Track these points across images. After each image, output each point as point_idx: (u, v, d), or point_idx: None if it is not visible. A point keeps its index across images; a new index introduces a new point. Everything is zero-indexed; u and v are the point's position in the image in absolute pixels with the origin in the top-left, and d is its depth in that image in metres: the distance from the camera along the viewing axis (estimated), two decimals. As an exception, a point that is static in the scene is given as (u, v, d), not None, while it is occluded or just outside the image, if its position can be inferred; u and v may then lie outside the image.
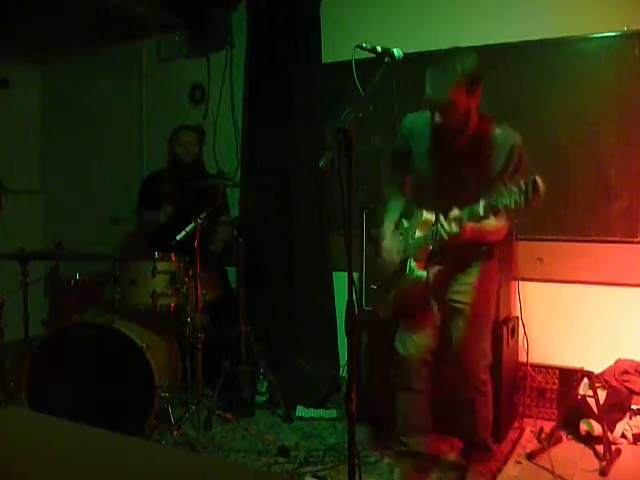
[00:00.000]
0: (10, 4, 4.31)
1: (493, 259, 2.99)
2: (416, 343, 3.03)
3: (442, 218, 2.69)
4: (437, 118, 2.71)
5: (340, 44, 4.24)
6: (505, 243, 3.66)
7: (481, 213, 2.56)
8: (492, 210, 2.52)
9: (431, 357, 3.05)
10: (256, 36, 4.75)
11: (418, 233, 2.88)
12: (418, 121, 2.95)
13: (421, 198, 2.97)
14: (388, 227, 3.06)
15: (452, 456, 3.37)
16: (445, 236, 2.67)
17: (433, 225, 2.77)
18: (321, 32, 4.50)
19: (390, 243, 3.03)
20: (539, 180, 2.39)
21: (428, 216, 2.85)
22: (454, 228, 2.66)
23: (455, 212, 2.67)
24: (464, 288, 2.93)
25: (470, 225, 2.65)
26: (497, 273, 3.07)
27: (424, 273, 2.86)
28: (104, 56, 5.46)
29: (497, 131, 2.80)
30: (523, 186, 2.41)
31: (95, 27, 4.98)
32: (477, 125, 2.78)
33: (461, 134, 2.78)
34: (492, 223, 2.71)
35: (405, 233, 2.98)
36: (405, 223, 3.01)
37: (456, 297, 2.95)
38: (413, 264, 2.87)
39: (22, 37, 5.04)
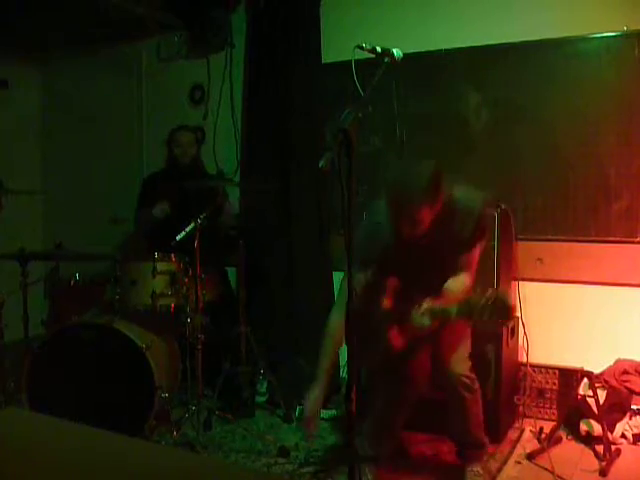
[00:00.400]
0: (10, 4, 4.31)
1: None
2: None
3: (414, 312, 2.69)
4: (402, 231, 2.73)
5: (340, 44, 4.24)
6: (505, 243, 3.67)
7: (452, 317, 2.62)
8: (464, 317, 2.59)
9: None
10: (256, 36, 4.74)
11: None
12: (368, 231, 2.91)
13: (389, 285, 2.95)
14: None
15: (448, 457, 3.35)
16: (420, 326, 2.69)
17: None
18: (321, 32, 4.49)
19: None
20: (509, 301, 2.49)
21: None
22: (426, 321, 2.67)
23: (425, 305, 2.67)
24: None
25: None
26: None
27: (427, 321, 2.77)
28: (104, 57, 5.46)
29: (459, 199, 2.79)
30: (491, 302, 2.49)
31: (95, 27, 4.97)
32: (440, 212, 2.74)
33: (416, 230, 2.75)
34: (458, 285, 2.78)
35: None
36: None
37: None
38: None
39: (22, 37, 5.03)
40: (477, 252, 2.90)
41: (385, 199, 2.71)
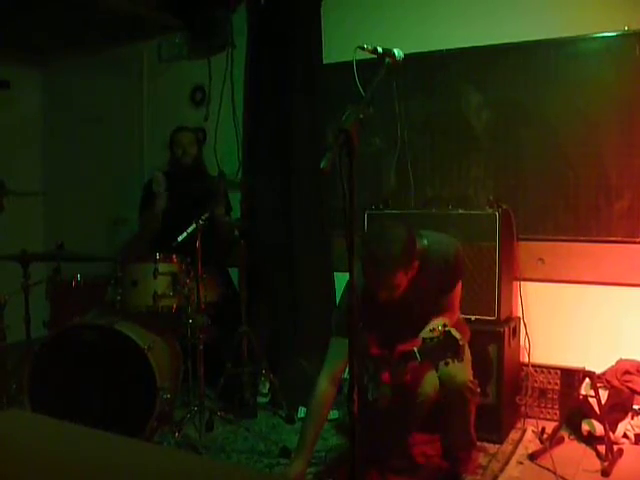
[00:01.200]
0: (11, 5, 4.32)
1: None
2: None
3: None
4: (379, 295, 2.74)
5: (341, 45, 4.24)
6: (506, 243, 3.67)
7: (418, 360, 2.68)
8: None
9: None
10: (257, 37, 4.74)
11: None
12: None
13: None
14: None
15: (439, 456, 3.34)
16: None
17: None
18: (322, 33, 4.50)
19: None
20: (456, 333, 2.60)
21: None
22: (417, 360, 2.70)
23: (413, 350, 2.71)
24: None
25: None
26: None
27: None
28: (105, 57, 5.46)
29: (431, 246, 2.81)
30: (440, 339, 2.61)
31: (96, 28, 4.98)
32: (416, 270, 2.75)
33: (390, 294, 2.76)
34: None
35: None
36: None
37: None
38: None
39: (23, 38, 5.04)
40: (458, 290, 2.96)
41: (361, 265, 2.66)
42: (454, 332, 2.61)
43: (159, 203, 4.27)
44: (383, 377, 2.84)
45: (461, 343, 2.59)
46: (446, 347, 2.59)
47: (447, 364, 2.63)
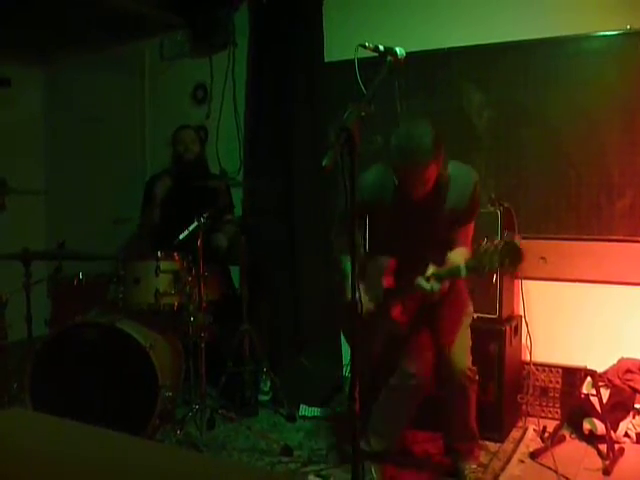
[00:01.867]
0: (12, 3, 4.32)
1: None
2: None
3: (420, 278, 2.76)
4: (405, 188, 2.79)
5: (342, 43, 4.23)
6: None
7: (462, 274, 2.69)
8: (474, 271, 2.64)
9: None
10: (258, 35, 4.75)
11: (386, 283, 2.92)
12: (377, 177, 2.98)
13: (385, 250, 3.00)
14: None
15: (441, 453, 3.34)
16: (430, 292, 2.75)
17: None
18: (323, 31, 4.49)
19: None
20: (518, 241, 2.49)
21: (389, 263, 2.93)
22: (435, 286, 2.74)
23: (432, 270, 2.75)
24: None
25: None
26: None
27: (437, 285, 2.80)
28: (106, 55, 5.46)
29: (453, 172, 2.87)
30: (500, 247, 2.55)
31: (97, 26, 4.98)
32: (437, 177, 2.81)
33: (423, 189, 2.81)
34: (458, 257, 2.80)
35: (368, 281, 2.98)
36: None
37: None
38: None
39: (24, 36, 5.04)
40: (471, 228, 2.96)
41: (392, 164, 2.78)
42: (516, 241, 2.58)
43: (161, 188, 4.29)
44: (394, 312, 2.88)
45: (521, 249, 2.57)
46: (507, 253, 2.54)
47: (503, 265, 2.57)
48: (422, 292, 2.78)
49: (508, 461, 3.30)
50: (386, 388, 3.15)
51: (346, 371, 4.33)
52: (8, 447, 1.60)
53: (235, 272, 4.57)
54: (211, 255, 3.76)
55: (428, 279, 2.76)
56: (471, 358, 3.03)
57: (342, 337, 4.41)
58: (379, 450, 3.17)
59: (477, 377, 3.04)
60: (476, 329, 3.15)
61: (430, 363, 3.03)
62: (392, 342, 2.99)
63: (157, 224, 4.41)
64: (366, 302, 2.85)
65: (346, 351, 4.34)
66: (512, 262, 2.55)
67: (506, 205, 3.63)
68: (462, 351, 3.00)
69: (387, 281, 2.93)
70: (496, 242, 2.58)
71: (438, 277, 2.75)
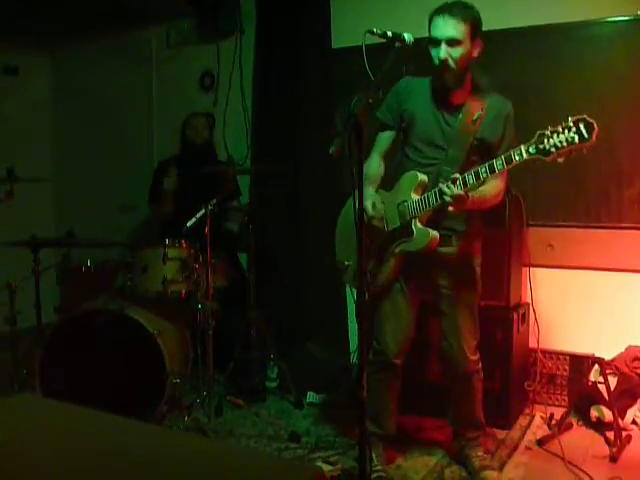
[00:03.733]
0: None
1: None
2: (397, 337, 2.99)
3: (441, 185, 2.64)
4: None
5: (350, 29, 4.21)
6: (516, 229, 3.66)
7: (498, 168, 2.59)
8: (542, 152, 2.51)
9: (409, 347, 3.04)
10: (265, 22, 4.73)
11: (415, 196, 2.80)
12: (415, 83, 3.00)
13: (416, 158, 2.92)
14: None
15: (448, 441, 3.34)
16: (449, 199, 2.60)
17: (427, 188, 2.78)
18: (331, 17, 4.47)
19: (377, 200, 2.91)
20: (589, 119, 2.37)
21: (423, 177, 2.82)
22: (458, 190, 2.60)
23: (456, 175, 2.65)
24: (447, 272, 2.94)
25: (472, 195, 2.66)
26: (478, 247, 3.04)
27: (436, 233, 2.76)
28: (113, 43, 5.45)
29: (492, 98, 2.88)
30: (571, 123, 2.41)
31: (104, 14, 4.97)
32: (472, 85, 2.85)
33: (459, 87, 2.82)
34: (490, 189, 2.77)
35: (393, 195, 2.91)
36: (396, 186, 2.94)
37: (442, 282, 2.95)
38: (419, 225, 2.78)
39: (31, 25, 5.03)
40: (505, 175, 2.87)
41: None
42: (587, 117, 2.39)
43: (169, 182, 4.29)
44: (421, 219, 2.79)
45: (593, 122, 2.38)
46: (585, 126, 2.40)
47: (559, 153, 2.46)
48: (442, 202, 2.64)
49: (515, 448, 3.31)
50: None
51: (354, 358, 4.33)
52: (18, 432, 1.61)
53: (243, 258, 4.58)
54: (220, 241, 3.75)
55: (454, 181, 2.61)
56: (476, 344, 3.01)
57: (348, 324, 4.42)
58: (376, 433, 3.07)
59: (480, 364, 3.03)
60: (484, 316, 3.14)
61: (410, 344, 3.02)
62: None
63: (168, 212, 4.39)
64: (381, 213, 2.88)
65: (354, 337, 4.35)
66: (589, 132, 2.38)
67: (514, 192, 3.61)
68: (466, 337, 2.99)
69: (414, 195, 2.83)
70: (570, 121, 2.43)
71: (463, 181, 2.61)
